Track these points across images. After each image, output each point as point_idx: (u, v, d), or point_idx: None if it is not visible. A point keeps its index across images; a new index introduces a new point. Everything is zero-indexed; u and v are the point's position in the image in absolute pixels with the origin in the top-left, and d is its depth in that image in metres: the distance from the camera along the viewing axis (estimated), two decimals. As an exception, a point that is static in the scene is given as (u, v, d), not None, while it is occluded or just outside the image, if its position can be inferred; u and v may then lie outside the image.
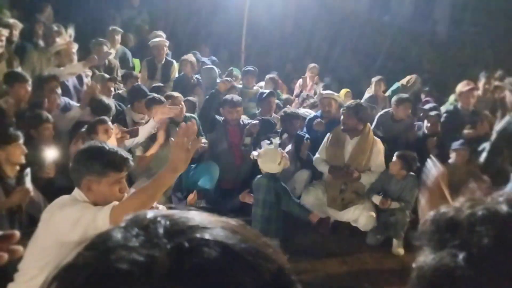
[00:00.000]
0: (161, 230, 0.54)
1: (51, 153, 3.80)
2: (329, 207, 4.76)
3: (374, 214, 4.58)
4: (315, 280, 4.00)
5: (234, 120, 5.25)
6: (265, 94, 5.87)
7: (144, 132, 4.41)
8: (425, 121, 5.78)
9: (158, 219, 0.57)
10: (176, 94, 5.35)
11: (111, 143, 3.97)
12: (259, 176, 3.99)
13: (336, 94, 5.72)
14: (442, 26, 12.28)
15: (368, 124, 4.89)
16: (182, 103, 5.21)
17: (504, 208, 0.69)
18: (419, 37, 10.92)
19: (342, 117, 4.80)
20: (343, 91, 7.27)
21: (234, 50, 8.67)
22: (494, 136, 5.02)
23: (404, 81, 7.19)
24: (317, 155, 4.91)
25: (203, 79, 6.67)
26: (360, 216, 4.63)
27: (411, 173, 4.74)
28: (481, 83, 6.89)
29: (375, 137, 4.85)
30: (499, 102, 6.11)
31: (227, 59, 9.02)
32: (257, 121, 5.23)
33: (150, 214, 0.59)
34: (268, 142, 3.99)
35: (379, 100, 6.94)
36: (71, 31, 6.36)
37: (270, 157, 3.89)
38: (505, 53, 9.51)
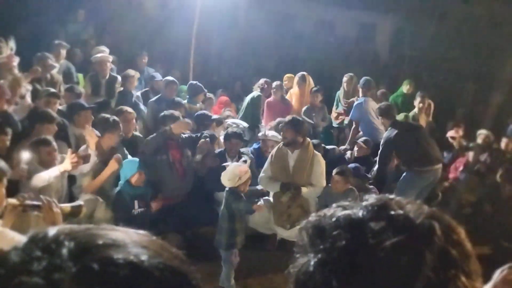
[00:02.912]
0: (64, 251, 0.51)
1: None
2: (276, 225, 4.84)
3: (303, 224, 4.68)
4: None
5: (176, 135, 5.14)
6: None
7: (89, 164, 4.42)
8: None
9: (61, 238, 0.53)
10: (129, 109, 5.35)
11: (63, 168, 3.97)
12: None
13: (279, 136, 5.59)
14: (383, 49, 12.91)
15: (307, 137, 5.04)
16: (133, 120, 5.26)
17: (359, 213, 0.71)
18: (363, 58, 11.41)
19: (281, 132, 4.97)
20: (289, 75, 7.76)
21: (183, 68, 8.70)
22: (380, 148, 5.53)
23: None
24: (262, 174, 4.97)
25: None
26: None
27: (350, 186, 4.97)
28: (416, 102, 7.39)
29: (315, 150, 4.99)
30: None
31: (178, 77, 9.02)
32: (207, 138, 5.25)
33: (51, 232, 0.54)
34: (243, 159, 4.42)
35: (316, 109, 7.25)
36: (12, 44, 6.21)
37: (227, 173, 4.09)
38: (441, 75, 10.09)
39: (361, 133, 6.79)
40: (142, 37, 9.53)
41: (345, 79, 7.71)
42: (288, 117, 5.13)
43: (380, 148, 5.52)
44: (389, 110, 5.70)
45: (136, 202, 4.46)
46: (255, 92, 7.26)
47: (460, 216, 6.23)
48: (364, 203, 0.74)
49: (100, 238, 0.53)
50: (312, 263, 0.69)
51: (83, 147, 4.43)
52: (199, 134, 5.38)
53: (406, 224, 0.69)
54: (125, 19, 9.54)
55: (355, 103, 6.95)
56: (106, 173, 4.58)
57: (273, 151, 5.03)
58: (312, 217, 0.76)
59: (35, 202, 2.64)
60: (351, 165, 5.69)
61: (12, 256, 0.51)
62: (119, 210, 4.49)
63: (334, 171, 5.01)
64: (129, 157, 4.94)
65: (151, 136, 5.13)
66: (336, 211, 0.74)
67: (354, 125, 6.87)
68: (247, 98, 7.30)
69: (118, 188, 4.61)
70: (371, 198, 0.75)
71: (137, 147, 5.30)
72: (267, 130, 6.26)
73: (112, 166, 4.57)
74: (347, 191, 4.91)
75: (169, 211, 4.59)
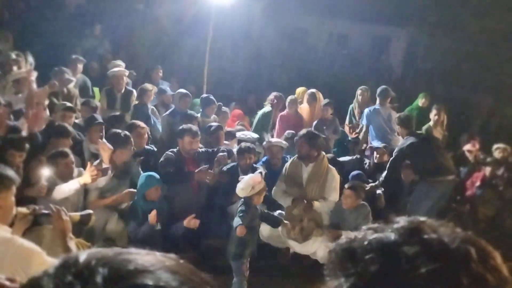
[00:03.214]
0: (99, 279, 0.50)
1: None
2: (288, 238, 4.81)
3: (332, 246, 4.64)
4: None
5: (192, 150, 5.20)
6: (213, 127, 5.87)
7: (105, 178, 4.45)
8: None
9: (93, 263, 0.52)
10: (141, 124, 5.39)
11: (83, 181, 4.04)
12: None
13: (284, 142, 5.70)
14: (397, 62, 12.89)
15: (322, 151, 5.03)
16: (146, 133, 5.30)
17: (391, 236, 0.70)
18: (377, 71, 11.41)
19: (296, 145, 4.97)
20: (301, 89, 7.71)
21: (198, 82, 8.78)
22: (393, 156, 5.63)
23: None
24: (275, 187, 4.96)
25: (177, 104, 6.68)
26: (318, 249, 4.71)
27: (362, 202, 4.92)
28: (431, 114, 7.34)
29: (329, 165, 4.98)
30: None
31: (192, 91, 9.11)
32: (225, 153, 5.26)
33: (82, 257, 0.54)
34: (258, 171, 4.53)
35: (327, 123, 7.18)
36: (31, 59, 6.36)
37: (242, 182, 4.13)
38: (455, 88, 10.02)
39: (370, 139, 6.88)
40: (157, 51, 9.67)
41: (359, 91, 7.70)
42: (303, 131, 5.10)
43: (393, 155, 5.62)
44: (408, 120, 5.84)
45: (153, 213, 4.42)
46: (267, 107, 7.29)
47: (478, 231, 6.14)
48: (395, 226, 0.72)
49: (131, 263, 0.53)
50: (340, 286, 0.68)
51: (97, 161, 4.48)
52: (215, 149, 5.39)
53: (441, 249, 0.67)
54: (141, 34, 9.69)
55: (369, 108, 7.04)
56: (113, 200, 4.61)
57: (287, 164, 5.04)
58: (342, 239, 0.75)
59: (45, 211, 2.69)
60: (354, 172, 5.75)
61: (44, 283, 0.51)
62: (131, 223, 4.50)
63: (346, 186, 4.98)
64: (141, 171, 4.97)
65: (169, 151, 5.16)
66: (367, 233, 0.72)
67: (364, 129, 6.99)
68: (259, 113, 7.33)
69: (132, 202, 4.64)
70: (402, 221, 0.73)
71: (149, 161, 5.34)
72: (270, 137, 6.33)
73: (122, 197, 4.64)
74: (359, 207, 4.86)
75: (182, 225, 4.57)
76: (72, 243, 2.63)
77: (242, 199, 4.17)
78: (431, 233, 0.69)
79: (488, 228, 6.32)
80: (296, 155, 4.96)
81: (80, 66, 7.29)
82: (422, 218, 0.75)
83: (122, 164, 4.81)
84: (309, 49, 12.15)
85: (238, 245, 4.12)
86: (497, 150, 7.19)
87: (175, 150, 5.20)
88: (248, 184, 4.06)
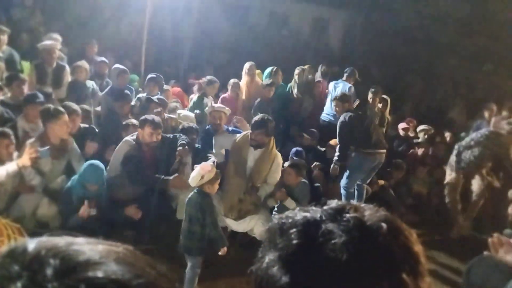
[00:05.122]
0: (49, 271, 0.48)
1: None
2: (225, 217, 4.81)
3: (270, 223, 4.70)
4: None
5: (153, 142, 4.83)
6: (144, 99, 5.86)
7: None
8: None
9: (43, 253, 0.50)
10: (73, 106, 5.10)
11: (23, 163, 3.70)
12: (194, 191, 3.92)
13: (226, 108, 5.78)
14: (336, 43, 13.15)
15: (272, 137, 4.92)
16: (79, 117, 5.05)
17: (317, 215, 0.77)
18: (315, 51, 11.58)
19: (250, 132, 4.82)
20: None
21: (135, 58, 8.47)
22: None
23: None
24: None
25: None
26: (255, 226, 4.75)
27: (303, 180, 5.04)
28: (368, 97, 7.64)
29: (276, 151, 4.96)
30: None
31: (129, 67, 8.79)
32: (186, 147, 4.92)
33: (31, 246, 0.51)
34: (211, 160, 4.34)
35: (270, 102, 7.12)
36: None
37: (193, 172, 3.88)
38: (391, 71, 10.40)
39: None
40: (92, 25, 9.19)
41: (296, 71, 7.83)
42: (257, 117, 4.86)
43: (338, 131, 5.89)
44: (345, 98, 6.21)
45: (86, 202, 4.20)
46: (195, 97, 7.20)
47: (411, 207, 6.54)
48: (325, 207, 0.79)
49: (83, 255, 0.51)
50: (268, 259, 0.75)
51: (30, 141, 4.20)
52: (171, 136, 5.20)
53: (356, 225, 0.74)
54: (74, 5, 9.17)
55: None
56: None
57: (233, 145, 4.92)
58: (276, 219, 0.81)
59: None
60: (294, 150, 5.95)
61: None
62: (65, 209, 4.30)
63: (287, 164, 5.06)
64: (77, 150, 4.75)
65: (129, 138, 4.87)
66: (297, 213, 0.79)
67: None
68: (191, 102, 7.26)
69: (68, 185, 4.40)
70: (334, 203, 0.81)
71: (85, 139, 5.11)
72: (213, 103, 6.34)
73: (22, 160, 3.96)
74: (299, 184, 4.97)
75: (122, 212, 4.42)
76: None
77: (196, 190, 3.91)
78: (353, 213, 0.76)
79: (422, 205, 6.71)
80: (250, 142, 4.83)
81: (4, 38, 6.74)
82: (354, 202, 0.82)
83: (58, 143, 4.56)
84: (250, 29, 12.08)
85: (201, 240, 3.85)
86: (422, 132, 7.64)
87: (133, 138, 4.86)
88: (198, 174, 3.82)
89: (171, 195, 4.99)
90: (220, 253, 3.88)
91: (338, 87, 7.60)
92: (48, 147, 4.15)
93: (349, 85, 7.65)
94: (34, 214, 4.32)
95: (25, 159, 3.77)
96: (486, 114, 8.01)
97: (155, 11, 8.08)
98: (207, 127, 5.75)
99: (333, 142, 6.40)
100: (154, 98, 5.99)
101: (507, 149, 5.80)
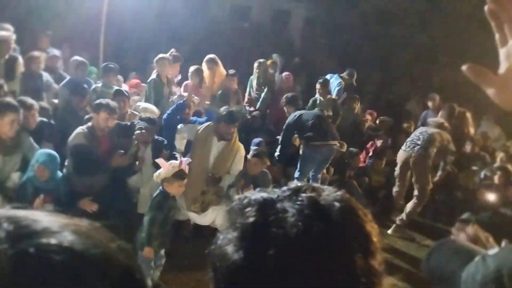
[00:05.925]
0: (2, 234, 0.49)
1: None
2: (188, 210, 4.78)
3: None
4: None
5: (107, 127, 4.76)
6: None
7: None
8: None
9: (1, 220, 0.51)
10: (29, 101, 4.87)
11: None
12: None
13: (196, 97, 5.79)
14: (297, 36, 13.24)
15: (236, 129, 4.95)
16: (36, 112, 4.83)
17: (274, 195, 0.80)
18: (277, 44, 11.63)
19: (218, 126, 4.81)
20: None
21: (92, 49, 8.22)
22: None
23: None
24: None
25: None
26: (217, 217, 4.74)
27: (264, 169, 5.08)
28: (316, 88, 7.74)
29: (239, 142, 4.98)
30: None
31: (87, 59, 8.53)
32: (143, 130, 4.92)
33: None
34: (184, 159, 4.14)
35: (231, 94, 7.16)
36: None
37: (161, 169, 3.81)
38: (350, 64, 10.56)
39: None
40: (47, 14, 8.85)
41: (256, 64, 7.83)
42: (225, 110, 4.91)
43: (283, 131, 6.02)
44: (294, 99, 6.45)
45: (42, 196, 4.03)
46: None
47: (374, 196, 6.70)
48: (284, 188, 0.81)
49: (39, 224, 0.52)
50: (223, 238, 0.78)
51: None
52: (129, 123, 5.06)
53: (310, 204, 0.76)
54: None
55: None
56: None
57: (196, 136, 4.92)
58: (236, 200, 0.83)
59: None
60: (256, 140, 5.99)
61: None
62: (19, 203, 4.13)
63: (251, 154, 5.06)
64: (35, 145, 4.58)
65: (79, 129, 4.72)
66: (256, 193, 0.81)
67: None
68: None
69: (23, 179, 4.24)
70: (292, 184, 0.83)
71: (43, 133, 4.94)
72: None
73: None
74: (262, 174, 5.01)
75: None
76: None
77: (159, 191, 3.87)
78: (309, 193, 0.78)
79: (383, 194, 6.88)
80: (205, 126, 4.85)
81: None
82: (315, 184, 0.84)
83: (8, 138, 4.36)
84: (212, 20, 11.97)
85: (161, 239, 3.83)
86: (381, 122, 7.84)
87: (86, 126, 4.76)
88: (163, 170, 3.79)
89: (131, 189, 4.92)
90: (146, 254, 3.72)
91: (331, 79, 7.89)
92: None
93: (340, 80, 7.93)
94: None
95: None
96: (430, 104, 8.28)
97: (114, 2, 7.87)
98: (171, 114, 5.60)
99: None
100: (123, 90, 5.89)
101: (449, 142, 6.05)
